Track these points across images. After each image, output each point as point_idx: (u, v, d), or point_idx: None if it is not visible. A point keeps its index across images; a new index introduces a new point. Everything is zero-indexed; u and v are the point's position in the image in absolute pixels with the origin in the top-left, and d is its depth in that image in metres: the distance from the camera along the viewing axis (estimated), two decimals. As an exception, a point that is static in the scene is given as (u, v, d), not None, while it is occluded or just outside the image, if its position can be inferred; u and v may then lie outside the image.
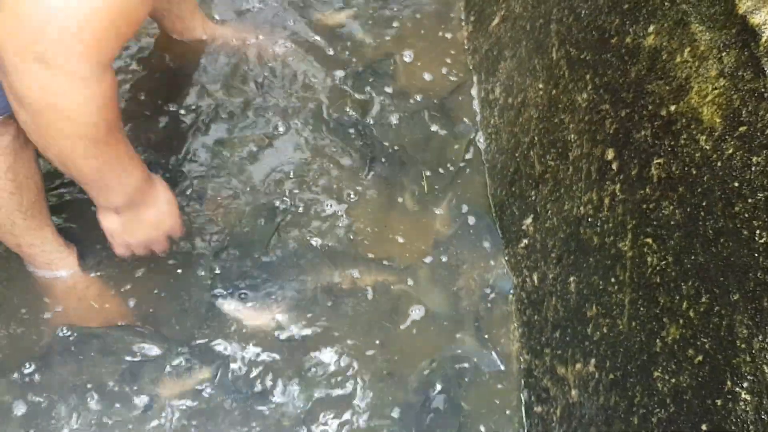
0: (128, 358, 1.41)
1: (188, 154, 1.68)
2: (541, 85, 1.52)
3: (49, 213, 1.40)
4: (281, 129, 1.74)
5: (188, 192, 1.63)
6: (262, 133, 1.74)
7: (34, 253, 1.42)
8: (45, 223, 1.39)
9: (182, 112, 1.75)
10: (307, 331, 1.48)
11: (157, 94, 1.78)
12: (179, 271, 1.53)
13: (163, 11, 1.75)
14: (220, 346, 1.45)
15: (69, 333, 1.43)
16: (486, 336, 1.51)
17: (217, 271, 1.52)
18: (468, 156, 1.76)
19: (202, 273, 1.52)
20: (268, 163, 1.70)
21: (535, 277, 1.46)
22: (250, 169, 1.68)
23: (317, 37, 1.92)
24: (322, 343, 1.47)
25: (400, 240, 1.62)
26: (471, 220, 1.67)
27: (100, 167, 1.08)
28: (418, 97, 1.85)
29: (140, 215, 1.26)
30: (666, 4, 1.13)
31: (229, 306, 1.46)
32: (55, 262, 1.47)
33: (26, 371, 1.39)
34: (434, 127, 1.79)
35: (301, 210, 1.63)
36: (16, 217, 1.31)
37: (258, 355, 1.45)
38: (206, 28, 1.84)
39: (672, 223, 1.04)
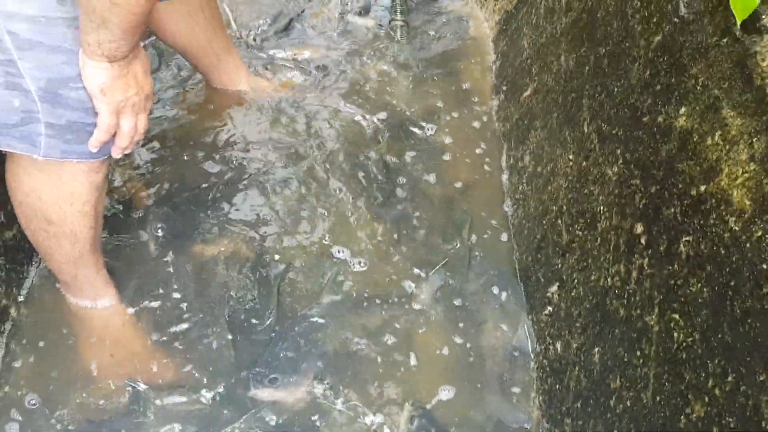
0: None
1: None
2: (571, 156, 1.56)
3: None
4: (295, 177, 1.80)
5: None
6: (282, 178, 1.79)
7: (86, 284, 1.48)
8: (100, 255, 1.46)
9: (217, 157, 1.81)
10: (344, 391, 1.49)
11: (195, 139, 1.84)
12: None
13: (211, 66, 1.83)
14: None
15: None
16: (511, 395, 1.53)
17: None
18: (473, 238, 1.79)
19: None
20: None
21: (558, 346, 1.48)
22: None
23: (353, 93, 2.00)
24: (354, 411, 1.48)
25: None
26: (495, 280, 1.69)
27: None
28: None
29: (132, 68, 1.13)
30: (698, 88, 1.17)
31: (264, 394, 1.47)
32: (101, 293, 1.52)
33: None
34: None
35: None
36: (86, 249, 1.37)
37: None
38: (249, 81, 1.92)
39: (699, 300, 1.06)
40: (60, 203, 1.27)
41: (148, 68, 1.17)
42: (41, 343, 1.49)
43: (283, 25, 2.16)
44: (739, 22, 1.02)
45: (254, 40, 2.10)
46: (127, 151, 1.23)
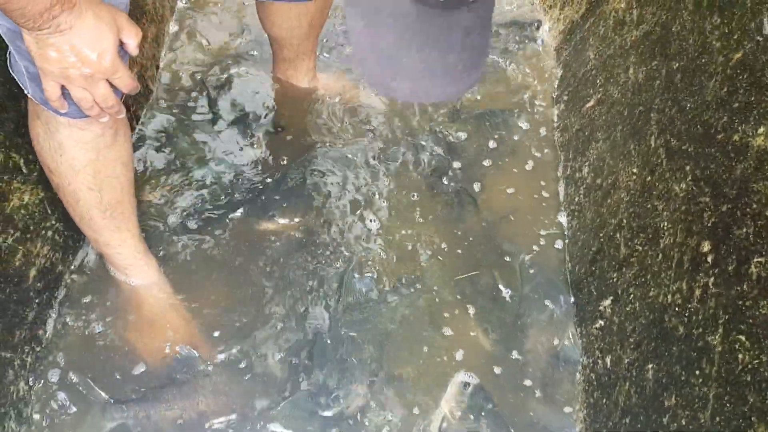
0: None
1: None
2: (635, 170, 1.53)
3: (135, 219, 1.44)
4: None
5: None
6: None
7: (110, 253, 1.47)
8: (126, 226, 1.43)
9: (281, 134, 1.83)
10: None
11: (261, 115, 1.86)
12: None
13: (287, 60, 1.84)
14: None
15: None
16: (554, 404, 1.51)
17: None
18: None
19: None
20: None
21: (608, 360, 1.46)
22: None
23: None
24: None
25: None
26: (545, 289, 1.67)
27: None
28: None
29: (60, 42, 1.01)
30: (780, 107, 1.15)
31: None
32: (130, 269, 1.51)
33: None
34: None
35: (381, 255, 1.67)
36: (93, 213, 1.35)
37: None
38: (312, 81, 1.93)
39: (769, 323, 1.04)
40: (52, 153, 1.26)
41: (99, 46, 1.04)
42: (90, 312, 1.50)
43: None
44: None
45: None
46: (102, 119, 1.19)
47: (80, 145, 1.24)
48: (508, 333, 1.60)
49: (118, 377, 1.44)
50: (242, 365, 1.48)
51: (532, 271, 1.70)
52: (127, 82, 1.11)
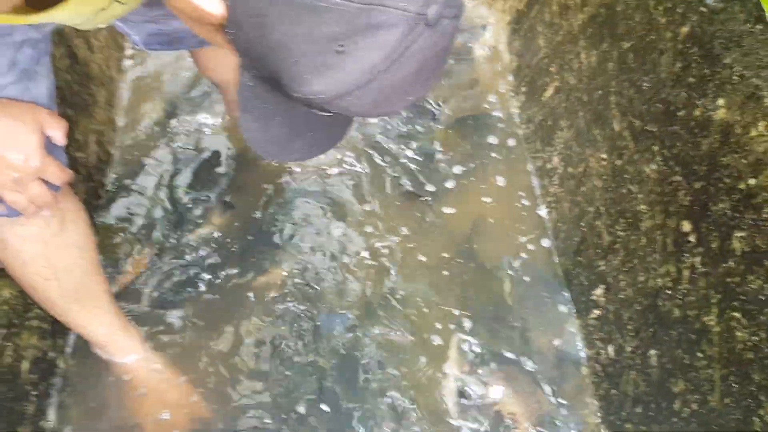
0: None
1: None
2: (603, 155, 1.53)
3: (106, 296, 1.40)
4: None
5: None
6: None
7: (86, 333, 1.43)
8: (95, 305, 1.38)
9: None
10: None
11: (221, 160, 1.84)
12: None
13: (234, 99, 1.82)
14: None
15: None
16: (565, 402, 1.50)
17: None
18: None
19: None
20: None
21: (610, 350, 1.45)
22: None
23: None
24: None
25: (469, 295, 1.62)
26: (538, 285, 1.67)
27: None
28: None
29: None
30: (735, 77, 1.14)
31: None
32: (111, 347, 1.47)
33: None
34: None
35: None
36: (55, 300, 1.31)
37: None
38: None
39: (761, 297, 1.03)
40: None
41: (24, 149, 1.03)
42: (89, 395, 1.47)
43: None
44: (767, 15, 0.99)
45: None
46: (42, 212, 1.16)
47: (24, 239, 1.20)
48: (508, 340, 1.58)
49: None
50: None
51: (521, 270, 1.69)
52: (59, 176, 1.09)
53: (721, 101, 1.17)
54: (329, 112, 0.73)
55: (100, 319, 1.41)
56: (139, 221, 1.74)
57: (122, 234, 1.72)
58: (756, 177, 1.07)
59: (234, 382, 1.51)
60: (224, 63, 1.65)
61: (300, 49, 0.67)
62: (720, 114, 1.16)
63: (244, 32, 0.70)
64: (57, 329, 1.49)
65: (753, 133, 1.09)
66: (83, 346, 1.51)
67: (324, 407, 1.48)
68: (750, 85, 1.11)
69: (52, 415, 1.45)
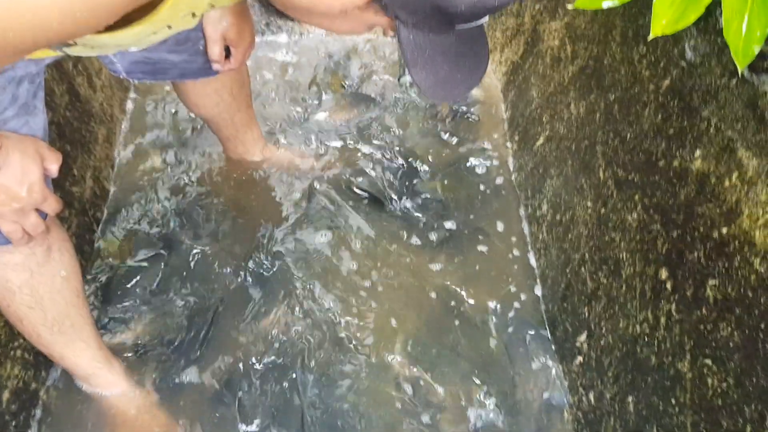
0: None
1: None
2: (589, 204, 1.55)
3: (90, 328, 1.41)
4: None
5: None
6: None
7: (68, 366, 1.45)
8: (79, 337, 1.40)
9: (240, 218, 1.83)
10: None
11: (214, 202, 1.87)
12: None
13: (230, 137, 1.86)
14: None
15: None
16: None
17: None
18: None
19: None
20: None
21: (591, 396, 1.46)
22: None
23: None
24: None
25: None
26: (524, 332, 1.67)
27: None
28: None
29: None
30: (711, 130, 1.17)
31: None
32: (93, 379, 1.48)
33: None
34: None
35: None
36: (40, 330, 1.33)
37: None
38: (264, 152, 1.94)
39: (731, 345, 1.05)
40: None
41: (28, 180, 1.08)
42: (69, 428, 1.48)
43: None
44: (741, 70, 1.03)
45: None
46: (20, 244, 1.18)
47: (11, 267, 1.23)
48: (495, 387, 1.58)
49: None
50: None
51: (510, 315, 1.70)
52: (55, 207, 1.15)
53: (698, 152, 1.20)
54: (475, 19, 0.82)
55: (84, 352, 1.43)
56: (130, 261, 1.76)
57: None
58: (729, 226, 1.09)
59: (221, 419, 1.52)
60: (208, 97, 1.68)
61: None
62: (697, 164, 1.19)
63: None
64: (40, 360, 1.51)
65: (726, 183, 1.11)
66: (66, 378, 1.53)
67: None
68: (725, 138, 1.14)
69: (31, 447, 1.45)
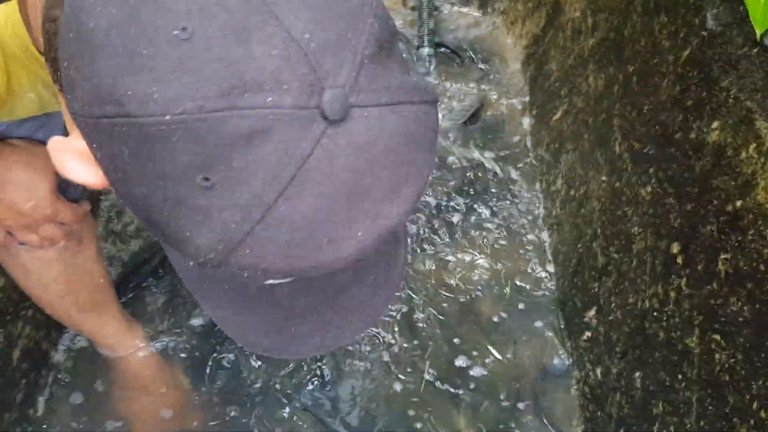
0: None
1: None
2: (604, 178, 1.53)
3: (115, 302, 1.42)
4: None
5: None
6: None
7: (94, 337, 1.45)
8: (105, 310, 1.40)
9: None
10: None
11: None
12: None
13: None
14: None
15: None
16: (546, 422, 1.48)
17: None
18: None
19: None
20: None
21: (598, 372, 1.44)
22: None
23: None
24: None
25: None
26: (533, 307, 1.66)
27: None
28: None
29: None
30: (730, 101, 1.14)
31: None
32: (116, 345, 1.47)
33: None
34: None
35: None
36: (72, 312, 1.33)
37: None
38: None
39: (741, 319, 1.02)
40: (17, 273, 1.22)
41: (34, 195, 1.01)
42: (80, 388, 1.48)
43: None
44: (759, 34, 0.99)
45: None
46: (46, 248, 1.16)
47: (44, 263, 1.20)
48: (500, 363, 1.57)
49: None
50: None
51: (521, 291, 1.68)
52: (71, 218, 1.08)
53: (715, 123, 1.16)
54: (246, 280, 0.52)
55: (110, 322, 1.42)
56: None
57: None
58: (743, 199, 1.06)
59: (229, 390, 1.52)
60: None
61: (162, 194, 0.46)
62: (713, 136, 1.16)
63: (128, 201, 0.51)
64: (53, 321, 1.51)
65: (743, 155, 1.08)
66: (79, 340, 1.53)
67: None
68: (743, 108, 1.10)
69: (41, 404, 1.46)
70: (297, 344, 0.58)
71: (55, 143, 0.53)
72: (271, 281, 0.51)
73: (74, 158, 0.52)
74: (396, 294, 0.53)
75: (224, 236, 0.46)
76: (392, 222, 0.49)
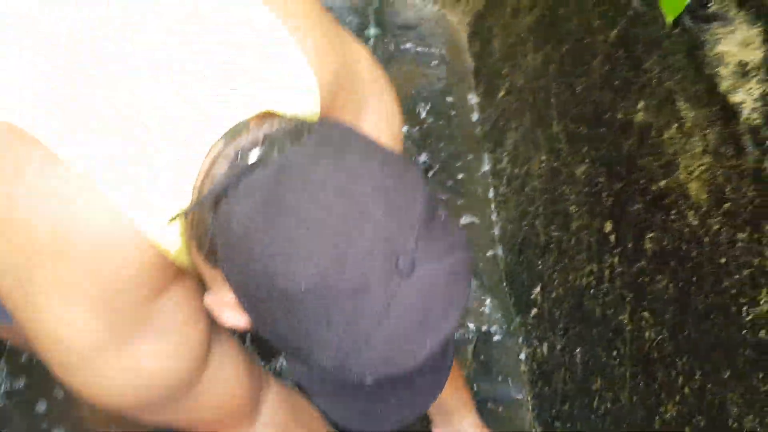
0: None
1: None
2: (544, 157, 1.54)
3: None
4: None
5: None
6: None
7: None
8: None
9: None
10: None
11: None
12: None
13: None
14: None
15: None
16: (502, 400, 1.51)
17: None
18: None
19: None
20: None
21: (545, 348, 1.47)
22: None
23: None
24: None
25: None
26: (483, 285, 1.68)
27: None
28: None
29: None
30: (654, 81, 1.16)
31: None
32: None
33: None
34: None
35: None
36: None
37: None
38: None
39: (666, 297, 1.05)
40: None
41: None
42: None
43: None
44: (668, 21, 1.01)
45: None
46: None
47: None
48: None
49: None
50: None
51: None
52: None
53: (641, 104, 1.19)
54: (349, 377, 0.67)
55: None
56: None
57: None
58: (666, 179, 1.09)
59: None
60: None
61: (296, 333, 0.63)
62: (639, 116, 1.18)
63: (266, 335, 0.67)
64: None
65: (666, 135, 1.10)
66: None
67: None
68: (666, 89, 1.12)
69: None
70: (381, 420, 0.75)
71: (211, 301, 0.71)
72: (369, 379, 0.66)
73: (228, 310, 0.68)
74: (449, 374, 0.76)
75: (339, 353, 0.62)
76: (448, 333, 0.65)
